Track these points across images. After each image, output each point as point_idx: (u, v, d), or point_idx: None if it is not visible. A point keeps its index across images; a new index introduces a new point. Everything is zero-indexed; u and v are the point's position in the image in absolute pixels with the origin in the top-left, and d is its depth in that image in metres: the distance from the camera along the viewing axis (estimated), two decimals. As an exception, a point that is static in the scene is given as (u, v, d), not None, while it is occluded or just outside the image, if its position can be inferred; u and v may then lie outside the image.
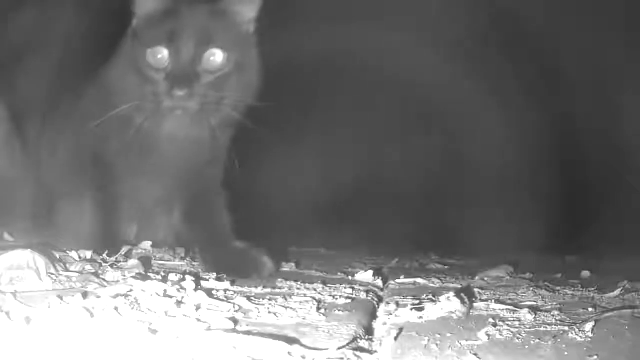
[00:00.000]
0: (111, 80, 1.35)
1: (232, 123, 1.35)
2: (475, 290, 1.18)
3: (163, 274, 1.08)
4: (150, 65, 1.28)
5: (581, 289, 1.23)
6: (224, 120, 1.34)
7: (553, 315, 0.94)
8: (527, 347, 0.76)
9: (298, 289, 1.07)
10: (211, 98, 1.29)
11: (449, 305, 0.92)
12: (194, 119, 1.31)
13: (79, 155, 1.40)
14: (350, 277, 1.27)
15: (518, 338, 0.80)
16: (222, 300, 0.87)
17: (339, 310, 0.90)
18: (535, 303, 1.07)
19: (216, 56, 1.29)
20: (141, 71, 1.29)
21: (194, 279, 0.95)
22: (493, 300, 1.05)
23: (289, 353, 0.64)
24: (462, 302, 0.93)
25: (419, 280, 1.30)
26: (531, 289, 1.20)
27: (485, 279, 1.38)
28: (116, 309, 0.73)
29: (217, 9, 1.34)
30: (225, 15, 1.34)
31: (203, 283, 1.01)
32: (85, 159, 1.39)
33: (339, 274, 1.35)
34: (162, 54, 1.27)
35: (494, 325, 0.86)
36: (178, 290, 0.88)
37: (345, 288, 1.09)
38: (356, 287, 1.12)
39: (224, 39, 1.31)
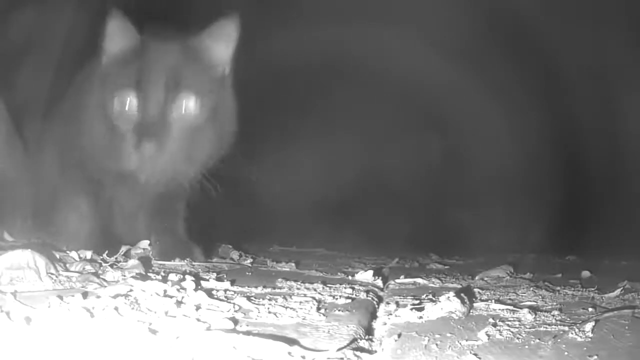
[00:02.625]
0: (81, 126, 1.29)
1: (205, 167, 1.31)
2: (475, 290, 1.18)
3: (163, 274, 1.08)
4: (117, 114, 1.20)
5: (581, 289, 1.23)
6: (197, 168, 1.29)
7: (553, 315, 0.94)
8: (527, 347, 0.76)
9: (298, 289, 1.07)
10: (183, 150, 1.22)
11: (449, 305, 0.92)
12: (165, 168, 1.25)
13: (65, 162, 1.39)
14: (350, 277, 1.27)
15: (518, 338, 0.80)
16: (222, 300, 0.87)
17: (339, 310, 0.90)
18: (535, 303, 1.07)
19: (188, 102, 1.20)
20: (108, 119, 1.21)
21: (194, 279, 0.95)
22: (493, 300, 1.05)
23: (289, 353, 0.64)
24: (462, 302, 0.93)
25: (419, 280, 1.29)
26: (531, 289, 1.20)
27: (485, 279, 1.38)
28: (116, 309, 0.73)
29: (189, 48, 1.24)
30: (198, 54, 1.24)
31: (203, 283, 1.01)
32: (71, 166, 1.38)
33: (339, 274, 1.34)
34: (130, 101, 1.19)
35: (494, 325, 0.86)
36: (178, 290, 0.88)
37: (345, 288, 1.09)
38: (356, 287, 1.12)
39: (197, 83, 1.21)
